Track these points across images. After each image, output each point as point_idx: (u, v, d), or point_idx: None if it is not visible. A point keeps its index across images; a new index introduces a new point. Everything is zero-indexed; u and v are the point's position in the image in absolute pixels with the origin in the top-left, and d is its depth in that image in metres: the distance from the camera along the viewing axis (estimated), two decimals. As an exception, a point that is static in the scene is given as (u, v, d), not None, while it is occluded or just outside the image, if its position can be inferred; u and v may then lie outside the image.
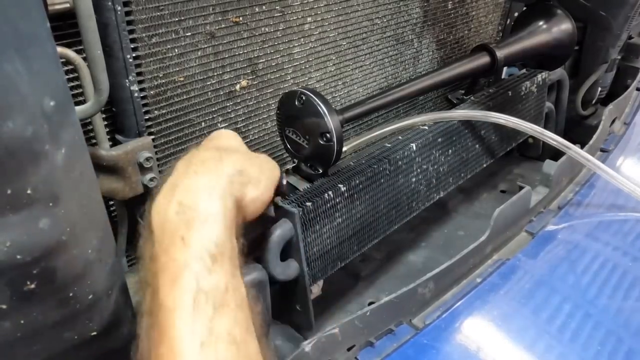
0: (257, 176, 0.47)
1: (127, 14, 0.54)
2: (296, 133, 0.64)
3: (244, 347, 0.36)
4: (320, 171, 0.65)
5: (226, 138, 0.52)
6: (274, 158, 0.78)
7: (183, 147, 0.66)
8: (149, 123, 0.61)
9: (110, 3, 0.52)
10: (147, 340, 0.36)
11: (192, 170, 0.43)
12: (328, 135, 0.60)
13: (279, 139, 0.77)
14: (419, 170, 0.73)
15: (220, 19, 0.63)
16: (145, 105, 0.60)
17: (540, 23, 0.93)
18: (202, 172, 0.42)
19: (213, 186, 0.41)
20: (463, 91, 1.02)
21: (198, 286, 0.35)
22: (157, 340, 0.35)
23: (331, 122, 0.60)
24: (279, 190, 0.66)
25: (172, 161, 0.65)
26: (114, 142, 0.60)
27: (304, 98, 0.61)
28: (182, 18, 0.59)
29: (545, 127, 0.89)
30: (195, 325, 0.34)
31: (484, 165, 0.87)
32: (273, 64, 0.71)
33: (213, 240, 0.38)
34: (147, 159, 0.58)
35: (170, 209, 0.39)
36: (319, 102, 0.60)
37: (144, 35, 0.56)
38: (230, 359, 0.34)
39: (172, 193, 0.40)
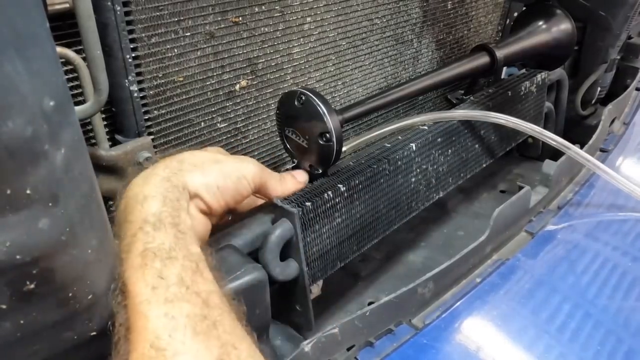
0: (203, 163, 0.51)
1: (127, 14, 0.54)
2: (296, 133, 0.64)
3: (194, 287, 0.39)
4: (320, 171, 0.65)
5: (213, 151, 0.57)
6: (273, 158, 0.78)
7: (183, 147, 0.66)
8: (149, 123, 0.61)
9: (109, 3, 0.52)
10: (118, 316, 0.40)
11: (135, 173, 0.49)
12: (327, 135, 0.60)
13: (278, 139, 0.77)
14: (418, 170, 0.73)
15: (219, 19, 0.63)
16: (144, 105, 0.60)
17: (540, 23, 0.93)
18: (148, 170, 0.49)
19: (146, 175, 0.48)
20: (462, 91, 1.02)
21: (144, 247, 0.41)
22: (122, 306, 0.39)
23: (331, 122, 0.60)
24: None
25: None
26: (114, 142, 0.60)
27: (303, 98, 0.61)
28: (182, 18, 0.59)
29: (544, 127, 0.89)
30: (146, 276, 0.39)
31: (484, 165, 0.87)
32: (272, 64, 0.71)
33: (151, 212, 0.44)
34: (147, 159, 0.58)
35: (121, 203, 0.47)
36: (319, 102, 0.60)
37: (143, 35, 0.56)
38: (181, 297, 0.38)
39: (129, 190, 0.47)
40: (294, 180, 0.61)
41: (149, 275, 0.39)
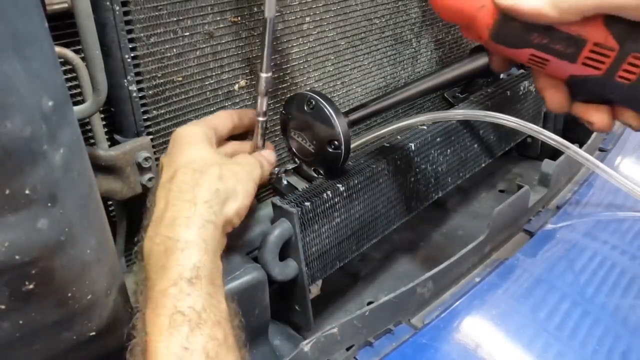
0: (234, 188, 0.51)
1: (126, 13, 0.54)
2: (302, 136, 0.64)
3: None
4: (323, 174, 0.65)
5: (189, 147, 0.54)
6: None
7: (182, 147, 0.66)
8: (148, 123, 0.61)
9: (108, 3, 0.52)
10: None
11: (172, 201, 0.47)
12: (337, 143, 0.60)
13: (277, 138, 0.77)
14: (417, 170, 0.73)
15: (218, 18, 0.63)
16: (143, 105, 0.60)
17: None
18: (181, 202, 0.46)
19: (190, 215, 0.45)
20: (459, 89, 1.02)
21: (175, 308, 0.39)
22: None
23: (341, 131, 0.60)
24: (273, 185, 0.67)
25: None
26: (113, 142, 0.60)
27: (313, 103, 0.61)
28: (181, 18, 0.59)
29: (543, 127, 0.89)
30: (170, 343, 0.37)
31: (483, 165, 0.87)
32: (272, 64, 0.71)
33: (189, 265, 0.41)
34: (146, 159, 0.58)
35: (154, 240, 0.44)
36: (330, 110, 0.60)
37: (142, 35, 0.56)
38: None
39: (157, 225, 0.45)
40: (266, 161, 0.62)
41: (174, 345, 0.37)
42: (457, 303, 0.66)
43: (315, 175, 0.66)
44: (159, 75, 0.60)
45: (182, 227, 0.44)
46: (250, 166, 0.56)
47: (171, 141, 0.56)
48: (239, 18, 0.64)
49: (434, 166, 0.76)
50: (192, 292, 0.40)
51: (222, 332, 0.40)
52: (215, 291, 0.42)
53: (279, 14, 0.68)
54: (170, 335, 0.37)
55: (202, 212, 0.46)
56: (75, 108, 0.50)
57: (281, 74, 0.74)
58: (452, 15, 0.47)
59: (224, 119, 0.61)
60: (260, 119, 0.64)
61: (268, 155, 0.63)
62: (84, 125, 0.57)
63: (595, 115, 0.44)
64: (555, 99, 0.45)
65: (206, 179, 0.49)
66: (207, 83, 0.65)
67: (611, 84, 0.41)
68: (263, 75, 0.61)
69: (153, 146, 0.61)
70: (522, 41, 0.43)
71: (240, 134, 0.65)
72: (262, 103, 0.63)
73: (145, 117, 0.60)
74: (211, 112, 0.68)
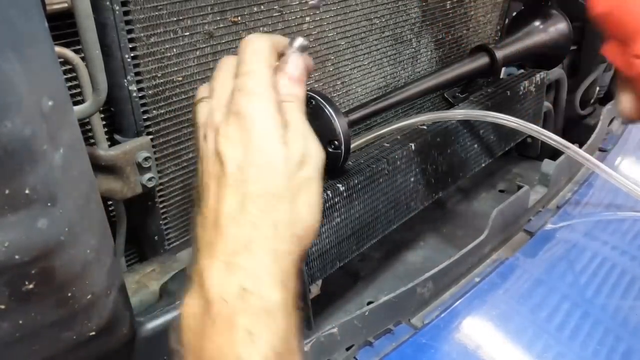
0: (310, 216, 0.41)
1: (126, 13, 0.54)
2: None
3: None
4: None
5: (267, 137, 0.39)
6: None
7: (182, 146, 0.66)
8: (148, 123, 0.61)
9: (108, 3, 0.52)
10: None
11: (246, 247, 0.36)
12: (337, 143, 0.60)
13: (277, 138, 0.77)
14: (417, 169, 0.73)
15: (218, 18, 0.63)
16: (143, 105, 0.60)
17: (537, 23, 0.93)
18: (260, 252, 0.36)
19: (275, 272, 0.36)
20: (459, 89, 1.02)
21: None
22: None
23: (341, 131, 0.59)
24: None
25: (170, 161, 0.65)
26: (113, 142, 0.60)
27: (313, 102, 0.61)
28: (181, 18, 0.59)
29: (543, 127, 0.89)
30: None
31: (483, 165, 0.87)
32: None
33: (280, 336, 0.34)
34: (146, 159, 0.58)
35: (229, 290, 0.35)
36: (330, 110, 0.59)
37: (142, 35, 0.56)
38: None
39: (229, 272, 0.35)
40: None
41: None
42: (457, 303, 0.66)
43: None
44: (159, 75, 0.60)
45: (267, 284, 0.35)
46: (315, 164, 0.42)
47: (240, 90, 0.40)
48: (239, 18, 0.64)
49: (434, 166, 0.76)
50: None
51: None
52: None
53: (278, 14, 0.68)
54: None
55: (287, 266, 0.37)
56: (75, 108, 0.50)
57: (281, 73, 0.73)
58: (613, 25, 0.45)
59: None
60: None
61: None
62: (84, 125, 0.57)
63: None
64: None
65: (284, 216, 0.38)
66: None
67: None
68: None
69: (153, 146, 0.61)
70: None
71: None
72: None
73: (145, 117, 0.60)
74: (211, 112, 0.68)
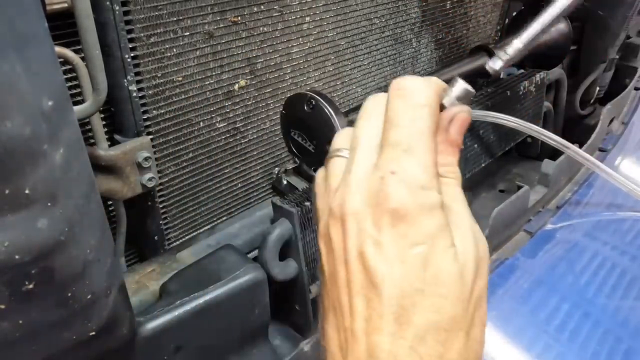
0: (483, 344, 0.31)
1: (126, 13, 0.54)
2: (302, 136, 0.64)
3: None
4: None
5: (437, 289, 0.29)
6: (273, 157, 0.78)
7: (182, 146, 0.66)
8: (148, 123, 0.61)
9: (108, 3, 0.52)
10: None
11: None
12: None
13: (277, 138, 0.77)
14: (417, 169, 0.73)
15: (218, 18, 0.63)
16: (143, 104, 0.60)
17: (537, 23, 0.93)
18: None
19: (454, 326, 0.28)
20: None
21: None
22: None
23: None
24: (273, 185, 0.66)
25: (170, 161, 0.65)
26: (113, 142, 0.60)
27: (313, 103, 0.60)
28: (181, 18, 0.59)
29: (543, 127, 0.89)
30: None
31: (483, 165, 0.87)
32: (271, 64, 0.71)
33: None
34: (146, 159, 0.58)
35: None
36: (330, 110, 0.59)
37: (142, 34, 0.56)
38: None
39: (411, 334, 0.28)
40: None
41: None
42: (457, 303, 0.66)
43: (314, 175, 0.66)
44: (159, 75, 0.60)
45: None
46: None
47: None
48: (239, 18, 0.64)
49: (434, 166, 0.76)
50: None
51: None
52: None
53: (278, 13, 0.68)
54: None
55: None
56: (76, 108, 0.50)
57: (281, 73, 0.73)
58: None
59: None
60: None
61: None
62: (84, 125, 0.57)
63: None
64: None
65: (453, 330, 0.29)
66: (207, 83, 0.65)
67: None
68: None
69: (153, 146, 0.61)
70: None
71: None
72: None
73: (145, 117, 0.60)
74: (211, 112, 0.68)
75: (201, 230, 0.72)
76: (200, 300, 0.51)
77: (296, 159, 0.68)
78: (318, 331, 0.47)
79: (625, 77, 1.18)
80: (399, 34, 0.89)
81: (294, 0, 0.69)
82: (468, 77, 0.93)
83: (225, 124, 0.70)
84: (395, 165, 0.29)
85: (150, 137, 0.61)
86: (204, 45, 0.63)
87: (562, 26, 0.93)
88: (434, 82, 0.33)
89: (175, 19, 0.59)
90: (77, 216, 0.33)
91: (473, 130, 0.82)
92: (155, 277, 0.61)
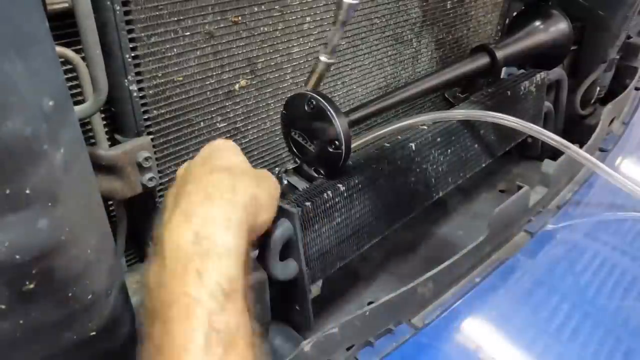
0: (267, 200, 0.48)
1: (126, 13, 0.54)
2: (302, 136, 0.64)
3: None
4: (323, 174, 0.65)
5: (228, 153, 0.50)
6: (273, 157, 0.78)
7: (182, 146, 0.66)
8: (148, 123, 0.61)
9: (109, 3, 0.52)
10: None
11: (207, 197, 0.42)
12: (337, 143, 0.60)
13: (277, 138, 0.77)
14: (418, 170, 0.73)
15: (219, 18, 0.63)
16: (144, 105, 0.60)
17: (537, 23, 0.94)
18: (218, 201, 0.42)
19: (230, 218, 0.41)
20: (459, 89, 1.02)
21: (210, 325, 0.35)
22: None
23: (342, 131, 0.59)
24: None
25: (170, 161, 0.65)
26: (113, 142, 0.60)
27: (314, 103, 0.60)
28: (181, 18, 0.59)
29: (544, 127, 0.89)
30: None
31: (483, 165, 0.87)
32: (272, 64, 0.71)
33: (228, 276, 0.38)
34: (146, 159, 0.58)
35: (185, 238, 0.39)
36: (331, 110, 0.60)
37: (142, 35, 0.56)
38: None
39: (187, 221, 0.40)
40: None
41: None
42: (458, 303, 0.66)
43: (316, 175, 0.66)
44: (159, 75, 0.60)
45: (221, 228, 0.39)
46: (276, 183, 0.52)
47: (205, 148, 0.51)
48: (240, 18, 0.64)
49: (434, 166, 0.76)
50: (228, 307, 0.36)
51: (253, 355, 0.37)
52: (244, 307, 0.38)
53: (278, 13, 0.68)
54: (205, 357, 0.34)
55: (242, 216, 0.42)
56: (76, 108, 0.50)
57: (282, 73, 0.74)
58: None
59: None
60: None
61: None
62: (85, 125, 0.57)
63: None
64: None
65: (243, 184, 0.45)
66: (207, 83, 0.65)
67: None
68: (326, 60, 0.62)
69: (153, 146, 0.61)
70: None
71: None
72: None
73: (146, 117, 0.60)
74: (211, 112, 0.68)
75: (201, 230, 0.72)
76: (201, 300, 0.51)
77: (296, 159, 0.68)
78: (319, 330, 0.48)
79: (626, 77, 1.18)
80: (399, 34, 0.89)
81: (294, 0, 0.69)
82: (469, 77, 0.93)
83: (226, 124, 0.70)
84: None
85: (151, 137, 0.61)
86: (205, 45, 0.63)
87: (563, 26, 0.93)
88: None
89: (175, 19, 0.59)
90: (78, 216, 0.33)
91: (473, 130, 0.82)
92: (155, 277, 0.61)
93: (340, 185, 0.62)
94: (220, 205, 0.41)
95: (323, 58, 0.63)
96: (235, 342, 0.36)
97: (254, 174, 0.49)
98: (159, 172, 0.63)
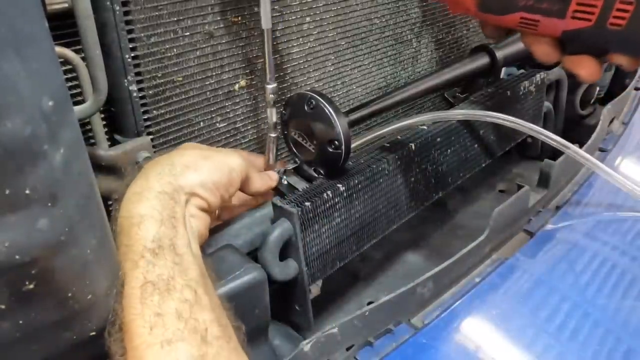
0: (195, 161, 0.52)
1: (126, 13, 0.54)
2: (302, 136, 0.64)
3: (192, 322, 0.39)
4: (323, 174, 0.65)
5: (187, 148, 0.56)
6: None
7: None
8: (148, 123, 0.61)
9: (108, 3, 0.52)
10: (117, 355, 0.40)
11: (133, 181, 0.49)
12: (337, 143, 0.60)
13: (277, 138, 0.77)
14: (417, 170, 0.73)
15: (219, 18, 0.63)
16: (144, 105, 0.60)
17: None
18: (137, 180, 0.48)
19: (140, 191, 0.47)
20: (459, 89, 1.02)
21: (145, 280, 0.40)
22: (121, 345, 0.39)
23: (342, 131, 0.60)
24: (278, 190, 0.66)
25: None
26: (113, 142, 0.60)
27: (313, 103, 0.60)
28: (181, 18, 0.59)
29: (543, 127, 0.89)
30: (144, 314, 0.39)
31: (483, 165, 0.87)
32: (275, 74, 0.71)
33: (149, 238, 0.43)
34: (146, 159, 0.58)
35: (118, 219, 0.46)
36: (331, 110, 0.60)
37: (142, 35, 0.56)
38: (179, 336, 0.38)
39: (120, 204, 0.47)
40: (270, 179, 0.64)
41: (148, 313, 0.39)
42: (458, 303, 0.66)
43: (316, 175, 0.66)
44: (159, 75, 0.60)
45: (134, 203, 0.46)
46: (227, 153, 0.56)
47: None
48: (240, 18, 0.64)
49: (434, 166, 0.76)
50: (157, 262, 0.42)
51: (192, 293, 0.41)
52: (181, 259, 0.43)
53: (278, 14, 0.68)
54: (144, 305, 0.39)
55: (153, 184, 0.47)
56: (76, 108, 0.50)
57: (281, 74, 0.74)
58: None
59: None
60: (272, 134, 0.65)
61: (272, 173, 0.65)
62: (84, 125, 0.57)
63: (584, 67, 0.46)
64: (545, 51, 0.48)
65: (166, 157, 0.52)
66: (207, 83, 0.65)
67: (603, 32, 0.41)
68: (268, 86, 0.62)
69: (153, 146, 0.61)
70: (510, 6, 0.44)
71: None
72: (272, 115, 0.64)
73: (146, 117, 0.60)
74: (211, 112, 0.68)
75: (201, 230, 0.72)
76: (201, 300, 0.51)
77: (296, 159, 0.68)
78: (319, 330, 0.49)
79: (626, 77, 1.18)
80: (399, 34, 0.89)
81: (294, 1, 0.69)
82: (468, 77, 0.93)
83: (226, 124, 0.70)
84: None
85: (151, 137, 0.61)
86: (205, 45, 0.63)
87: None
88: None
89: (175, 19, 0.59)
90: (78, 216, 0.33)
91: (473, 130, 0.82)
92: (155, 277, 0.61)
93: (340, 186, 0.62)
94: (136, 184, 0.48)
95: (272, 134, 0.66)
96: (170, 287, 0.41)
97: (198, 150, 0.55)
98: (159, 172, 0.63)
